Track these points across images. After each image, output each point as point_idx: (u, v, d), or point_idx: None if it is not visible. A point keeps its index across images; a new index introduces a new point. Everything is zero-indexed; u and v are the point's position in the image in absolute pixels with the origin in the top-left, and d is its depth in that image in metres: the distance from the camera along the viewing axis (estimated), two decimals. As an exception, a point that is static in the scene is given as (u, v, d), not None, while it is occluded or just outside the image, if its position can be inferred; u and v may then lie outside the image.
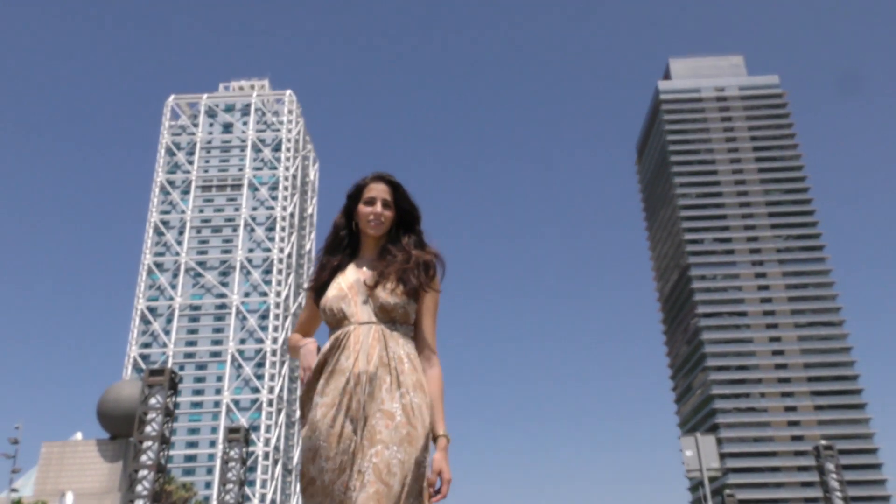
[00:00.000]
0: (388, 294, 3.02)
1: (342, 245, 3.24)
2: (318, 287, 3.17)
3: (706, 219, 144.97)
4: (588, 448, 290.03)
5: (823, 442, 34.86)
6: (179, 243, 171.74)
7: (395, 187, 3.18)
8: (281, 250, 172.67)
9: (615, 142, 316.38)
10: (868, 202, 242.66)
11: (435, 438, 2.93)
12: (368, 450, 2.76)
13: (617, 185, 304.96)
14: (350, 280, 3.11)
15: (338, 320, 3.04)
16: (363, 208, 3.16)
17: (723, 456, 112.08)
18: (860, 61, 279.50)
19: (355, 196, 3.21)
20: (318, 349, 3.09)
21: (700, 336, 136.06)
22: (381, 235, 3.19)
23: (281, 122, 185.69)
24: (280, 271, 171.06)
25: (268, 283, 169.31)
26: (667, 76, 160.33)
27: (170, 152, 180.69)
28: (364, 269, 3.14)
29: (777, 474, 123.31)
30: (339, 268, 3.18)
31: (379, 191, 3.16)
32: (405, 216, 3.21)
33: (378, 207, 3.13)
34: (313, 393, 2.97)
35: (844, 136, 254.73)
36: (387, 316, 3.02)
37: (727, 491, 50.83)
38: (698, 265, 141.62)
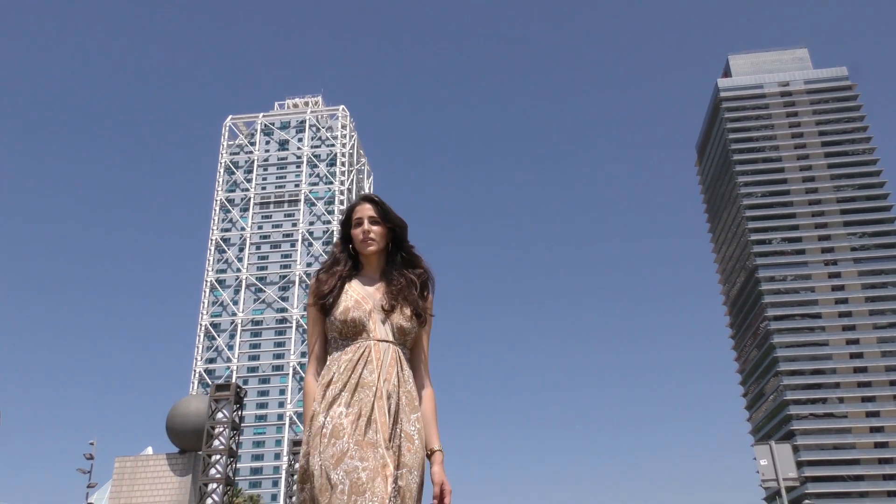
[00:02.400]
0: (405, 319, 3.12)
1: (340, 263, 3.25)
2: (326, 295, 3.16)
3: (773, 218, 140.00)
4: (657, 456, 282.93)
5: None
6: (240, 259, 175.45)
7: (378, 204, 3.23)
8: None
9: (674, 143, 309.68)
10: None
11: (431, 453, 3.03)
12: (395, 470, 2.85)
13: (677, 188, 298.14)
14: (363, 294, 3.15)
15: (355, 332, 3.09)
16: (354, 231, 3.23)
17: (800, 464, 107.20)
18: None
19: (347, 222, 3.28)
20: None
21: (771, 340, 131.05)
22: (377, 252, 3.24)
23: (335, 138, 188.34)
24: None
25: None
26: (726, 73, 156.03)
27: (228, 171, 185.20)
28: (374, 288, 3.20)
29: (860, 483, 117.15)
30: (347, 279, 3.21)
31: (364, 210, 3.23)
32: (394, 233, 3.25)
33: (366, 225, 3.19)
34: (329, 404, 2.97)
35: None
36: (402, 338, 3.12)
37: (806, 501, 48.21)
38: (767, 266, 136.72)
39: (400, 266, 3.23)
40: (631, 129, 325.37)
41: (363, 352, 3.01)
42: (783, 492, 14.65)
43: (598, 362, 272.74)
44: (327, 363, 3.13)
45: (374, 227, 3.19)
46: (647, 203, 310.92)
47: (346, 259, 3.24)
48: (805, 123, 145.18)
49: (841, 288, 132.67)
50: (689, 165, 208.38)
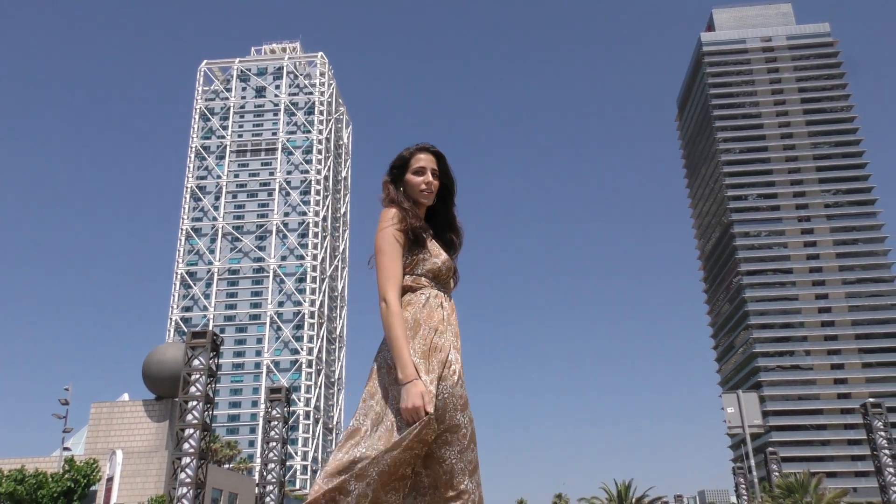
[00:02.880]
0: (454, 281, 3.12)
1: (408, 206, 3.06)
2: (424, 231, 2.99)
3: (750, 174, 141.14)
4: (629, 408, 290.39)
5: (871, 399, 33.59)
6: (216, 208, 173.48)
7: (440, 158, 3.14)
8: (316, 213, 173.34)
9: (655, 97, 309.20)
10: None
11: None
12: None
13: (657, 142, 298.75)
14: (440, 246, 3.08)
15: (442, 282, 3.00)
16: (413, 178, 3.09)
17: (766, 414, 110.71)
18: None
19: (402, 166, 3.14)
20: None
21: (743, 294, 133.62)
22: (426, 206, 3.17)
23: (313, 85, 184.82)
24: (316, 234, 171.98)
25: (304, 246, 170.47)
26: (710, 27, 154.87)
27: (204, 117, 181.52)
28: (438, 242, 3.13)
29: (822, 432, 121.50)
30: (426, 230, 3.04)
31: (429, 161, 3.12)
32: (446, 187, 3.20)
33: (429, 177, 3.10)
34: (439, 352, 2.78)
35: None
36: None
37: (770, 449, 49.85)
38: (742, 222, 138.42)
39: (457, 227, 3.19)
40: (613, 82, 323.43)
41: (451, 304, 2.97)
42: (748, 438, 15.06)
43: (574, 313, 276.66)
44: (420, 296, 2.89)
45: (436, 181, 3.11)
46: (626, 157, 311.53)
47: (412, 206, 3.06)
48: (786, 80, 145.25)
49: (813, 244, 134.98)
50: (670, 120, 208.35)
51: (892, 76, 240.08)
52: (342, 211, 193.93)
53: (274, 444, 32.28)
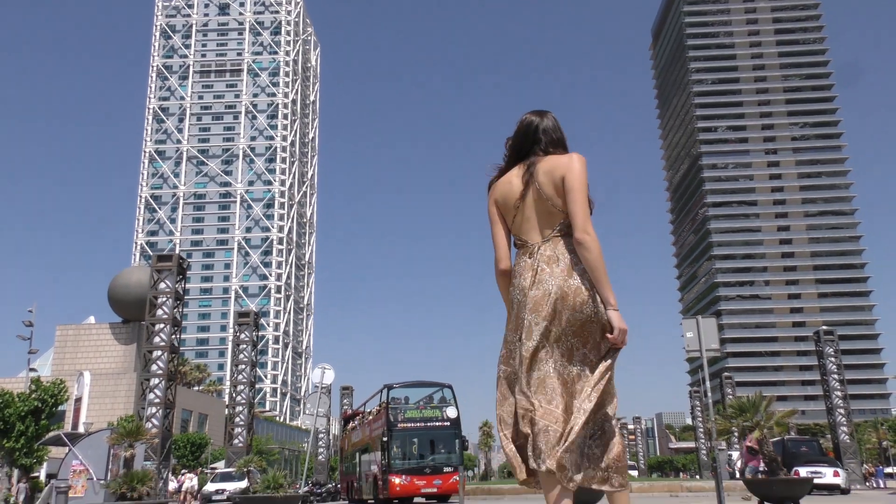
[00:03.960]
0: None
1: None
2: None
3: (721, 106, 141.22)
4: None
5: (824, 327, 34.76)
6: (180, 130, 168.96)
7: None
8: (284, 138, 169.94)
9: (629, 26, 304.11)
10: (895, 91, 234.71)
11: None
12: None
13: (629, 72, 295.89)
14: None
15: None
16: None
17: (724, 341, 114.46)
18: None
19: None
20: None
21: (707, 225, 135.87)
22: None
23: (279, 4, 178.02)
24: (284, 160, 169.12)
25: (272, 171, 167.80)
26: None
27: (165, 35, 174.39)
28: None
29: (776, 359, 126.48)
30: None
31: None
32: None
33: None
34: None
35: (875, 21, 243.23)
36: None
37: (725, 374, 51.69)
38: (710, 154, 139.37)
39: None
40: (589, 9, 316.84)
41: None
42: (705, 362, 15.47)
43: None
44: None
45: None
46: (598, 86, 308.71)
47: None
48: (761, 9, 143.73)
49: (778, 177, 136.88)
50: (644, 49, 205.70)
51: (867, 10, 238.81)
52: (310, 136, 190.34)
53: (243, 366, 32.50)
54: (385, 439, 22.50)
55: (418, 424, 23.29)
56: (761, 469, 15.83)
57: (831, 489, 25.01)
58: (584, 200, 2.76)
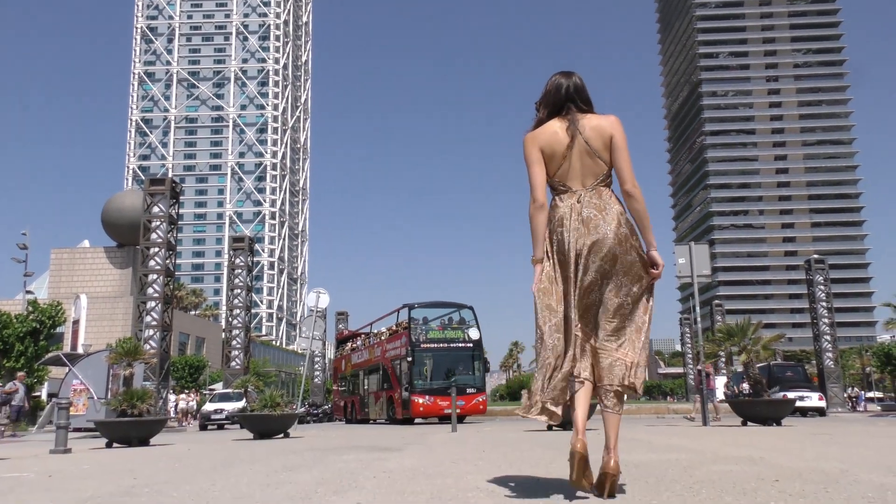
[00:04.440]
0: None
1: None
2: None
3: (723, 31, 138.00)
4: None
5: (816, 256, 35.00)
6: (169, 52, 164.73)
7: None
8: (276, 61, 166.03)
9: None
10: None
11: None
12: None
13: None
14: None
15: None
16: None
17: (715, 270, 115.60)
18: None
19: None
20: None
21: (705, 154, 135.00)
22: None
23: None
24: (276, 83, 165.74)
25: (264, 95, 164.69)
26: None
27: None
28: None
29: (767, 287, 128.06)
30: None
31: None
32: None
33: None
34: None
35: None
36: None
37: (716, 301, 52.35)
38: (710, 81, 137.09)
39: None
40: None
41: None
42: (696, 288, 15.59)
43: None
44: None
45: None
46: (599, 10, 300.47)
47: None
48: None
49: (778, 105, 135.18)
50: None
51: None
52: (304, 59, 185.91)
53: (239, 290, 32.75)
54: (409, 359, 22.41)
55: (441, 345, 23.20)
56: (746, 392, 16.26)
57: (816, 412, 26.06)
58: (629, 158, 3.16)
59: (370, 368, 27.09)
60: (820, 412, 26.41)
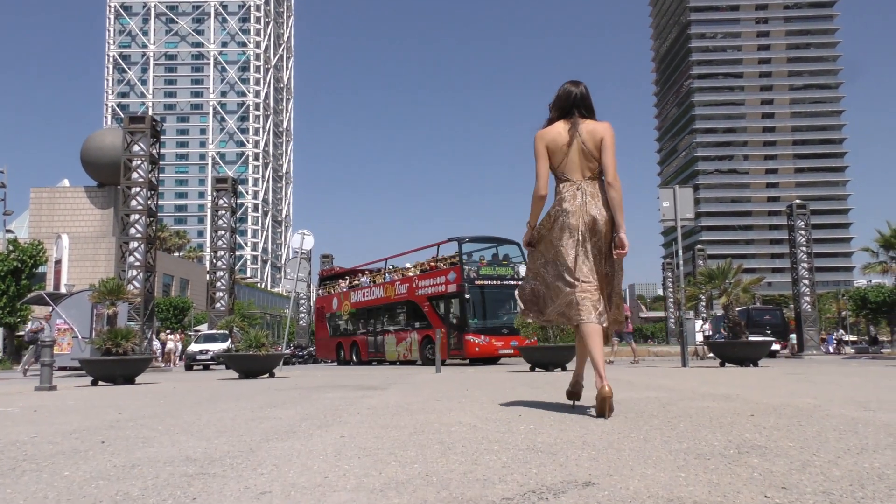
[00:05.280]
0: None
1: None
2: None
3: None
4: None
5: (798, 201, 35.17)
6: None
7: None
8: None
9: None
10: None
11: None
12: None
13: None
14: None
15: None
16: None
17: (699, 214, 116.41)
18: None
19: None
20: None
21: (691, 98, 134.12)
22: None
23: None
24: (258, 19, 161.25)
25: (246, 32, 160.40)
26: None
27: None
28: None
29: (749, 232, 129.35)
30: None
31: None
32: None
33: None
34: None
35: None
36: None
37: (698, 246, 52.85)
38: (699, 22, 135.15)
39: None
40: None
41: None
42: (679, 232, 15.72)
43: (523, 112, 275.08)
44: None
45: None
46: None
47: None
48: None
49: (766, 48, 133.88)
50: None
51: None
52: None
53: (222, 232, 32.48)
54: (467, 296, 21.25)
55: (494, 282, 21.93)
56: (723, 333, 16.56)
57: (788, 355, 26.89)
58: (614, 156, 3.87)
59: (389, 307, 25.72)
60: (771, 355, 27.32)
